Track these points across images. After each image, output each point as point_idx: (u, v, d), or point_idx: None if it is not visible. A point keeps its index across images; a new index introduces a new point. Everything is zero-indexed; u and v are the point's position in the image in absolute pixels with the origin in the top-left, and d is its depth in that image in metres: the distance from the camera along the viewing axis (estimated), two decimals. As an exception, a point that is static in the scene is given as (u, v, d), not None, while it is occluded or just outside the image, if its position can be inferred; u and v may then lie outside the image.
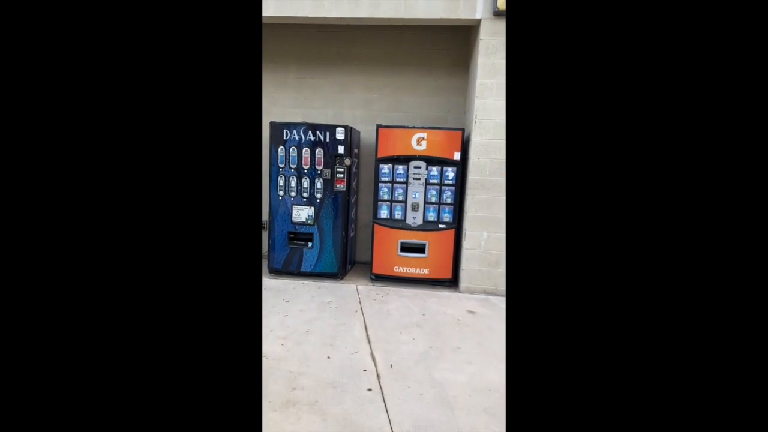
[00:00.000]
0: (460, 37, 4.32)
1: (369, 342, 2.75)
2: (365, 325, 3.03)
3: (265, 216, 4.14)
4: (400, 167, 3.87)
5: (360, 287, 3.89)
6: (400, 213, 3.94)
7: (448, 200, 3.87)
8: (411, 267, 3.93)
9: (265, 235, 4.21)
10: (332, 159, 3.88)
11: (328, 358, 2.50)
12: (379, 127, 3.86)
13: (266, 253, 4.12)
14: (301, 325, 2.95)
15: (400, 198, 3.92)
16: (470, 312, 3.39)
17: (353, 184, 4.20)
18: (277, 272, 4.09)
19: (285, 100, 4.64)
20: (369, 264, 4.12)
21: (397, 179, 3.89)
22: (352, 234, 4.37)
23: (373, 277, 4.04)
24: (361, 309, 3.33)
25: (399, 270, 3.96)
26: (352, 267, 4.49)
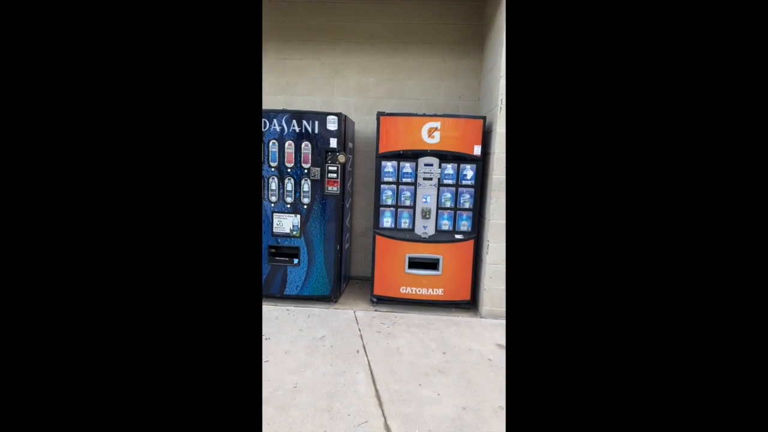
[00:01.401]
0: (472, 9, 3.62)
1: (380, 402, 2.03)
2: (372, 373, 2.30)
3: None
4: (408, 165, 3.14)
5: (359, 314, 3.15)
6: (407, 221, 3.22)
7: (467, 205, 3.17)
8: (421, 287, 3.22)
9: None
10: (322, 155, 3.12)
11: (326, 434, 1.77)
12: (380, 115, 3.12)
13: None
14: (287, 378, 2.20)
15: (408, 203, 3.20)
16: (501, 347, 2.69)
17: (347, 185, 3.46)
18: (255, 295, 3.31)
19: (263, 84, 3.85)
20: (367, 280, 3.39)
21: (404, 180, 3.17)
22: (346, 245, 3.62)
23: (374, 299, 3.31)
24: (364, 347, 2.60)
25: (406, 291, 3.24)
26: (347, 285, 3.74)
